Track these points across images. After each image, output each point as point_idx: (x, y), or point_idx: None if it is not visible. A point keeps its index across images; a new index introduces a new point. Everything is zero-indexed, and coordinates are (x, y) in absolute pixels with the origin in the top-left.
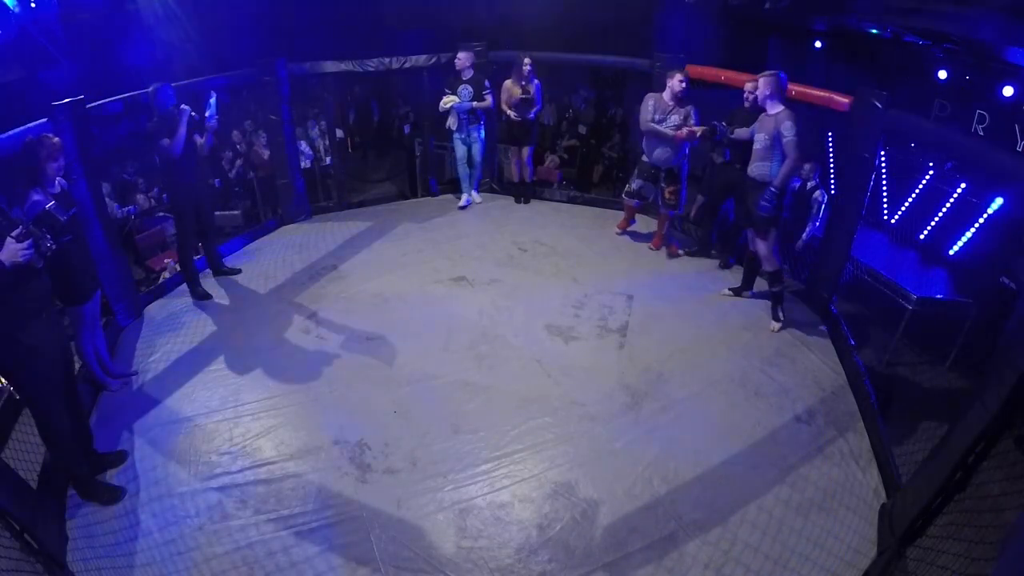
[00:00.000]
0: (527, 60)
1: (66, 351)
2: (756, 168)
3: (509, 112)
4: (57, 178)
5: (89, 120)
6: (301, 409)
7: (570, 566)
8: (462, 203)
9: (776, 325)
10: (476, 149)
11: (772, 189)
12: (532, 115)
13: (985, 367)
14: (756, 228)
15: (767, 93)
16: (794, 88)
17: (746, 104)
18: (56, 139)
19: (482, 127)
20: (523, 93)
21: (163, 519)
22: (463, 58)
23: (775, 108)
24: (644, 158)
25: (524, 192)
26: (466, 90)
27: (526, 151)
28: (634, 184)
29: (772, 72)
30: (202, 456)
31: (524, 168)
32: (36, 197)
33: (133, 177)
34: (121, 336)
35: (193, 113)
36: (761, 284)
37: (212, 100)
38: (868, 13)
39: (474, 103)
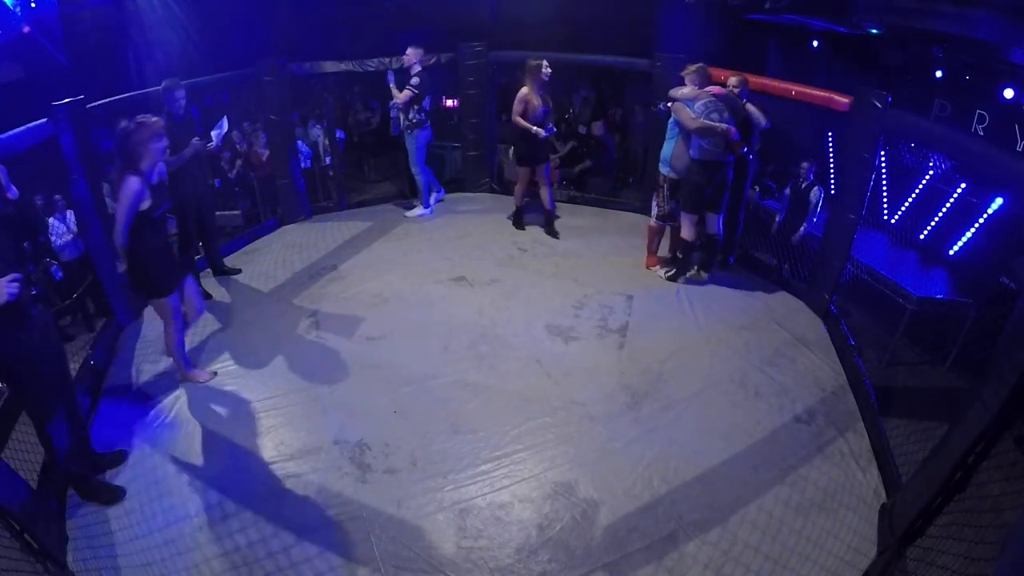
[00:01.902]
0: (546, 64)
1: (60, 351)
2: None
3: (529, 128)
4: (158, 166)
5: (89, 120)
6: (301, 409)
7: (570, 566)
8: (410, 213)
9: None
10: (411, 159)
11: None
12: (550, 129)
13: (985, 367)
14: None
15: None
16: (794, 88)
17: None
18: (155, 119)
19: (419, 133)
20: (543, 104)
21: (163, 519)
22: (410, 54)
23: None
24: (671, 174)
25: (550, 223)
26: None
27: (542, 169)
28: (667, 206)
29: (700, 64)
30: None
31: (544, 189)
32: (133, 188)
33: None
34: (121, 336)
35: (202, 144)
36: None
37: (219, 131)
38: (868, 13)
39: (396, 100)
